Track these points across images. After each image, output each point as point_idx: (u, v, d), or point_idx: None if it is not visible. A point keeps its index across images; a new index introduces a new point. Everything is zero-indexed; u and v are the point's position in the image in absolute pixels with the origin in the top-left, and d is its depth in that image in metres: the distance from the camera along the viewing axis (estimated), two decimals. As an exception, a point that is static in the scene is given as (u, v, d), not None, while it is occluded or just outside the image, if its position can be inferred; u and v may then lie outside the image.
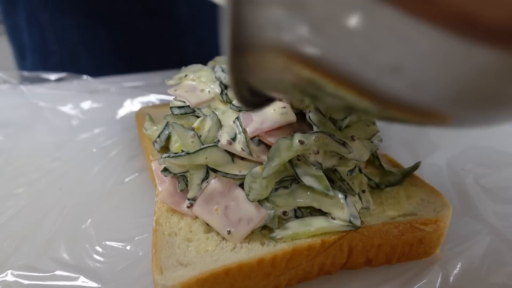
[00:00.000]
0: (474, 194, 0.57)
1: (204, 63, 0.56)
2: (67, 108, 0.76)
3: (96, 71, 0.95)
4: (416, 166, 0.52)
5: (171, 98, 0.54)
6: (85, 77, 0.82)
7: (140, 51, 0.97)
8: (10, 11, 0.92)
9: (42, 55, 0.94)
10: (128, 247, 0.50)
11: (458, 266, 0.47)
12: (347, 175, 0.48)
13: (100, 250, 0.49)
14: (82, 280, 0.45)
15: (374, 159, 0.51)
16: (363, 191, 0.48)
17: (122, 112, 0.75)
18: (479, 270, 0.46)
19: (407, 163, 0.55)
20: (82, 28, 0.92)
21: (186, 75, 0.54)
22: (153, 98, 0.79)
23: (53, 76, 0.81)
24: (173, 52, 0.99)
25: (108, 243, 0.50)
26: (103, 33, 0.93)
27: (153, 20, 0.94)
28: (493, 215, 0.54)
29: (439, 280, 0.45)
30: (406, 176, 0.51)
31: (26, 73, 0.80)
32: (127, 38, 0.95)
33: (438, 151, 0.66)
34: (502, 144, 0.68)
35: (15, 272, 0.46)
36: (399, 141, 0.68)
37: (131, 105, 0.77)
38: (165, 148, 0.55)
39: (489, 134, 0.70)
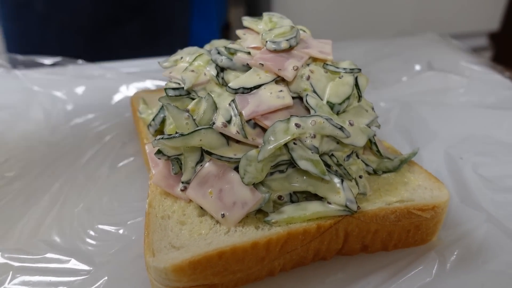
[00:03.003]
0: (472, 183, 0.57)
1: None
2: (62, 93, 0.75)
3: None
4: (414, 153, 0.51)
5: (167, 82, 0.53)
6: (80, 61, 0.81)
7: None
8: None
9: None
10: (121, 231, 0.49)
11: (455, 253, 0.46)
12: (344, 160, 0.47)
13: (93, 233, 0.49)
14: (73, 263, 0.45)
15: (372, 145, 0.50)
16: (360, 177, 0.48)
17: (117, 98, 0.74)
18: (476, 257, 0.46)
19: (405, 151, 0.54)
20: None
21: (181, 58, 0.53)
22: (149, 83, 0.78)
23: (48, 61, 0.80)
24: None
25: (100, 226, 0.50)
26: None
27: None
28: (490, 204, 0.53)
29: (435, 267, 0.45)
30: (404, 162, 0.50)
31: (20, 57, 0.79)
32: None
33: (437, 140, 0.65)
34: (502, 134, 0.67)
35: (6, 255, 0.46)
36: (398, 129, 0.68)
37: (127, 91, 0.76)
38: (160, 132, 0.54)
39: (489, 123, 0.70)
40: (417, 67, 0.85)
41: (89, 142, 0.64)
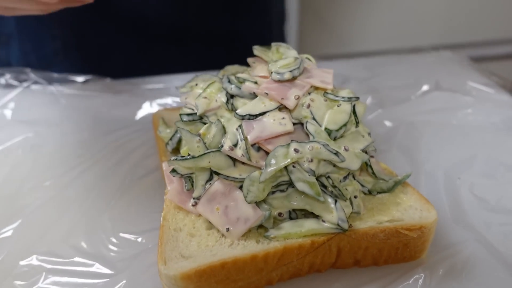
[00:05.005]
0: (467, 203, 0.60)
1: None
2: (92, 108, 0.82)
3: None
4: (407, 175, 0.55)
5: (185, 102, 0.59)
6: (109, 79, 0.88)
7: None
8: None
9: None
10: (139, 239, 0.55)
11: (440, 271, 0.50)
12: (340, 181, 0.52)
13: (115, 240, 0.55)
14: (97, 267, 0.51)
15: (367, 167, 0.54)
16: (355, 197, 0.52)
17: (141, 114, 0.81)
18: (459, 276, 0.49)
19: (405, 171, 0.58)
20: None
21: (196, 84, 0.59)
22: (170, 100, 0.84)
23: (80, 78, 0.88)
24: None
25: (122, 234, 0.56)
26: None
27: None
28: (483, 224, 0.57)
29: (420, 282, 0.49)
30: (398, 184, 0.54)
31: (56, 75, 0.87)
32: None
33: (437, 160, 0.69)
34: (504, 155, 0.70)
35: (40, 257, 0.52)
36: (400, 149, 0.71)
37: (150, 107, 0.82)
38: (177, 150, 0.60)
39: (492, 144, 0.72)
40: (426, 86, 0.88)
41: (114, 155, 0.71)
